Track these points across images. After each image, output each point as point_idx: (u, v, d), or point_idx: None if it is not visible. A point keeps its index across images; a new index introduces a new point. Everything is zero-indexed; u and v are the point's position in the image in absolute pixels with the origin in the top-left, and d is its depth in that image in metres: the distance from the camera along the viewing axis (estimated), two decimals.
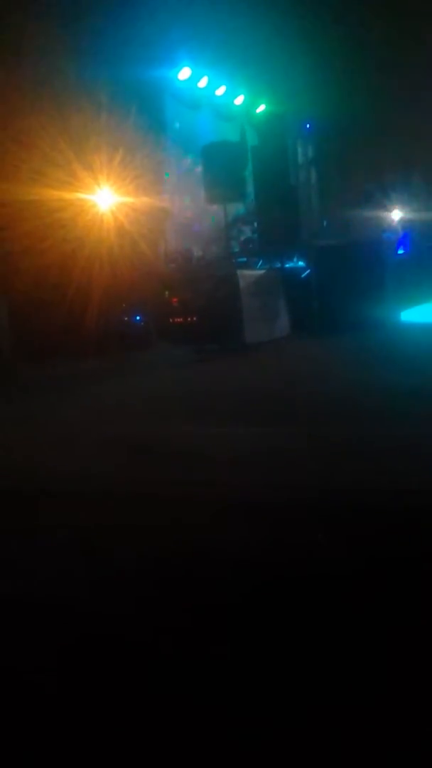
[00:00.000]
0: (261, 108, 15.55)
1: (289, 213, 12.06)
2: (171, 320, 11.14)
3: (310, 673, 1.94)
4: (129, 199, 11.04)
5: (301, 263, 12.51)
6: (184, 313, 11.11)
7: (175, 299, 11.00)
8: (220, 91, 14.48)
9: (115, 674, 2.02)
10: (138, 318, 11.12)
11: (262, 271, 11.48)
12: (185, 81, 13.34)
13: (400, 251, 12.74)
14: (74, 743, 1.75)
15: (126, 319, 10.96)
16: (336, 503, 3.25)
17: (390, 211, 15.81)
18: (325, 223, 16.10)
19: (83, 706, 1.90)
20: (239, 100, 15.11)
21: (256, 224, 13.18)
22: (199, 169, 11.72)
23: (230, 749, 1.67)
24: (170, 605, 2.39)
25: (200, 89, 13.85)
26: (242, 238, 13.55)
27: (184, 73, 13.23)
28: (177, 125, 13.76)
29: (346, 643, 2.08)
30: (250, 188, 12.44)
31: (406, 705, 1.78)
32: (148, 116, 12.18)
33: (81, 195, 10.65)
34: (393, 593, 2.34)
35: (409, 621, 2.16)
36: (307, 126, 16.72)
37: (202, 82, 13.72)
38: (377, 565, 2.57)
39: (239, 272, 10.58)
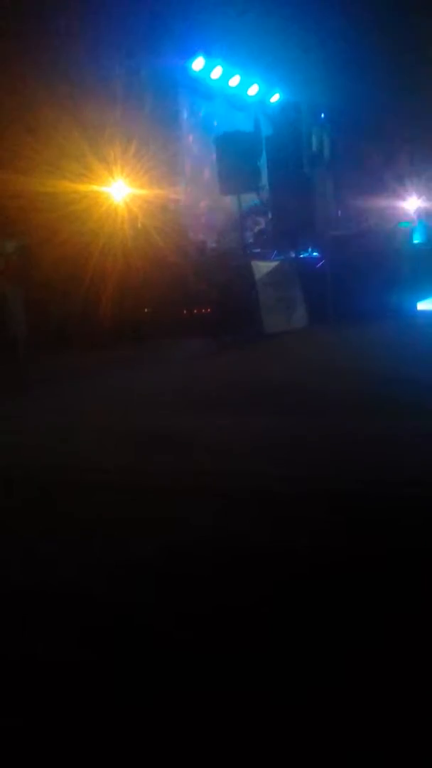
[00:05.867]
0: (275, 98, 15.47)
1: (304, 203, 11.97)
2: (186, 311, 11.15)
3: (315, 665, 1.96)
4: (143, 191, 11.05)
5: (315, 253, 12.46)
6: (198, 304, 11.11)
7: (189, 290, 11.00)
8: (234, 81, 14.40)
9: (130, 660, 2.05)
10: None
11: (276, 262, 11.45)
12: (199, 71, 13.28)
13: (416, 240, 12.65)
14: (93, 730, 1.78)
15: (140, 310, 10.99)
16: (346, 494, 3.25)
17: (405, 200, 15.69)
18: (339, 213, 15.99)
19: (102, 693, 1.93)
20: (253, 90, 15.03)
21: (270, 215, 13.11)
22: (213, 159, 11.67)
23: (235, 742, 1.69)
24: (181, 594, 2.42)
25: (214, 79, 13.79)
26: (256, 228, 13.49)
27: (198, 64, 13.18)
28: (191, 116, 13.71)
29: (351, 634, 2.09)
30: (264, 179, 12.37)
31: (406, 699, 1.79)
32: (162, 107, 12.17)
33: (96, 187, 10.68)
34: (399, 585, 2.35)
35: (413, 613, 2.17)
36: (322, 115, 16.59)
37: (216, 73, 13.66)
38: (385, 556, 2.57)
39: (254, 263, 10.56)
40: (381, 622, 2.12)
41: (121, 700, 1.87)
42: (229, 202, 11.82)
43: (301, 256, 12.28)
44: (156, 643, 2.12)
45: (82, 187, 10.50)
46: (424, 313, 11.07)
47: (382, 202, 15.05)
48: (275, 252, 12.63)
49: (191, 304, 11.10)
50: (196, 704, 1.82)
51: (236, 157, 10.82)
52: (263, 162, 12.11)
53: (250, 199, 12.71)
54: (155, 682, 1.93)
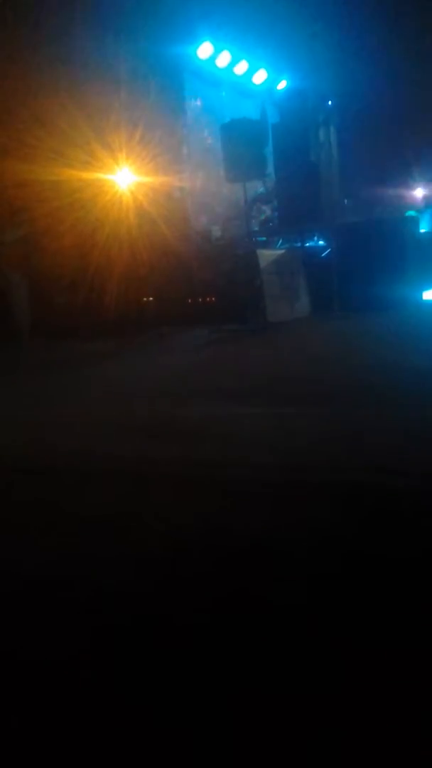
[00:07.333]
0: (282, 85, 15.34)
1: (310, 191, 11.89)
2: (190, 300, 11.12)
3: (315, 664, 1.94)
4: (148, 179, 11.00)
5: (321, 242, 12.39)
6: (203, 293, 11.09)
7: (194, 279, 10.97)
8: (241, 67, 14.28)
9: (133, 651, 2.04)
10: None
11: (282, 251, 11.39)
12: (205, 58, 13.16)
13: (423, 229, 12.55)
14: (96, 724, 1.77)
15: (144, 299, 10.97)
16: (353, 485, 3.23)
17: (413, 188, 15.60)
18: (346, 201, 15.90)
19: (111, 686, 1.92)
20: (260, 77, 14.90)
21: (276, 203, 13.04)
22: (219, 147, 11.60)
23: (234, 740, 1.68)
24: (184, 585, 2.40)
25: (220, 66, 13.67)
26: (262, 217, 13.43)
27: (205, 50, 13.06)
28: (196, 103, 13.62)
29: (352, 632, 2.07)
30: (270, 166, 12.30)
31: (407, 702, 1.76)
32: (168, 94, 12.09)
33: (100, 175, 10.64)
34: (404, 580, 2.32)
35: (419, 611, 2.14)
36: (329, 103, 16.46)
37: (222, 60, 13.54)
38: (392, 548, 2.55)
39: (259, 251, 10.51)
40: (383, 617, 2.10)
41: (123, 694, 1.85)
42: (234, 189, 11.74)
43: (307, 244, 12.22)
44: (160, 633, 2.11)
45: (87, 175, 10.45)
46: (430, 302, 11.00)
47: (389, 191, 14.97)
48: (280, 241, 12.58)
49: (196, 292, 11.07)
50: (198, 698, 1.80)
51: (242, 144, 10.73)
52: (269, 150, 12.02)
53: (256, 186, 12.64)
54: (158, 673, 1.91)
